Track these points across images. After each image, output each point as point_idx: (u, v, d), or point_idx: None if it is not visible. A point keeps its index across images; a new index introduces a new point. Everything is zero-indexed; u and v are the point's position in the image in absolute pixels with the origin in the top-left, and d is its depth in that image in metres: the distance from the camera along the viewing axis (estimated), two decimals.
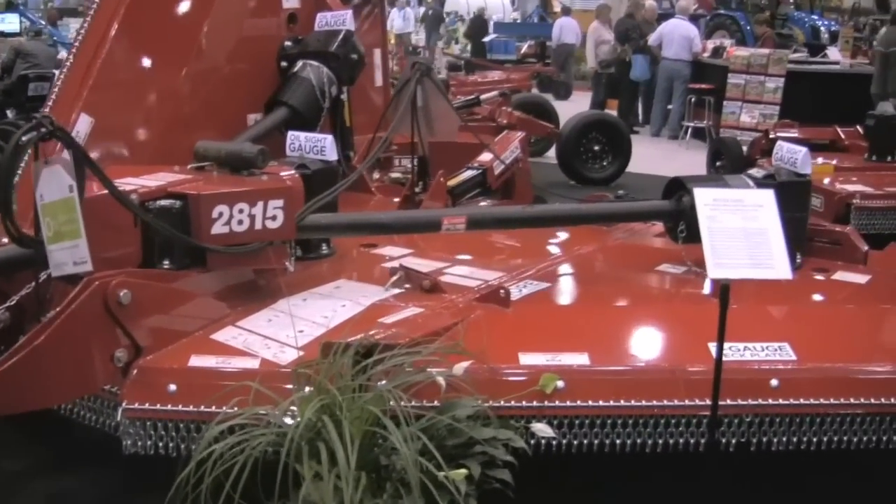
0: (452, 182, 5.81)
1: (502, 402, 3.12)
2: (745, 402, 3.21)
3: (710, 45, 15.60)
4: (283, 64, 5.67)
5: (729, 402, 3.16)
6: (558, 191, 7.69)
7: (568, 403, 3.18)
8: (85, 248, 3.07)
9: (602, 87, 16.24)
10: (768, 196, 3.15)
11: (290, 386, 3.02)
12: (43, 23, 20.91)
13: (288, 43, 5.75)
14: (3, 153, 3.14)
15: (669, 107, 14.85)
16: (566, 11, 22.76)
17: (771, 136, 8.44)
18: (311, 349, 3.24)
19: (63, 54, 11.29)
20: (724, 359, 3.03)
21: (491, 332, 3.46)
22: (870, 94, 11.81)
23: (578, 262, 4.66)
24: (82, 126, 4.68)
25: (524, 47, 24.56)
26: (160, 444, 3.14)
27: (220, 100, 5.38)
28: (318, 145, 4.43)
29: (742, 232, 3.02)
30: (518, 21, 34.04)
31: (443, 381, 3.04)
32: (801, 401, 3.23)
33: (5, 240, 3.47)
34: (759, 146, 8.65)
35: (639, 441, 3.21)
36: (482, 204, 5.98)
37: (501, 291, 3.84)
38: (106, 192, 3.31)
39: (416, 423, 2.83)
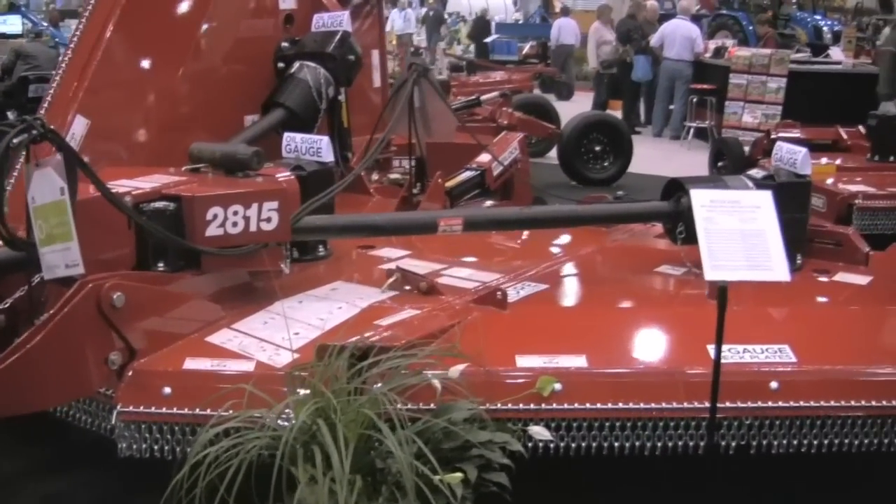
0: (450, 183, 5.80)
1: (499, 405, 3.10)
2: (744, 405, 3.18)
3: (712, 45, 15.57)
4: (280, 65, 5.65)
5: (728, 404, 3.14)
6: (558, 192, 7.67)
7: (565, 406, 3.15)
8: (77, 250, 3.05)
9: (604, 87, 16.24)
10: (766, 197, 3.13)
11: (285, 389, 3.00)
12: (45, 24, 20.95)
13: (285, 44, 5.73)
14: None
15: (671, 107, 14.84)
16: (565, 12, 22.77)
17: (772, 136, 8.41)
18: (307, 351, 3.21)
19: None
20: (723, 361, 3.00)
21: (488, 334, 3.43)
22: (872, 95, 11.75)
23: (577, 264, 4.64)
24: (78, 128, 4.67)
25: (526, 48, 24.55)
26: (155, 447, 3.12)
27: (217, 101, 5.36)
28: (314, 147, 4.41)
29: (739, 233, 3.00)
30: (520, 22, 34.05)
31: (439, 383, 3.02)
32: (802, 403, 3.20)
33: None
34: (760, 146, 8.62)
35: (637, 444, 3.18)
36: (487, 204, 5.97)
37: (498, 293, 3.82)
38: (99, 193, 3.29)
39: (412, 427, 2.81)
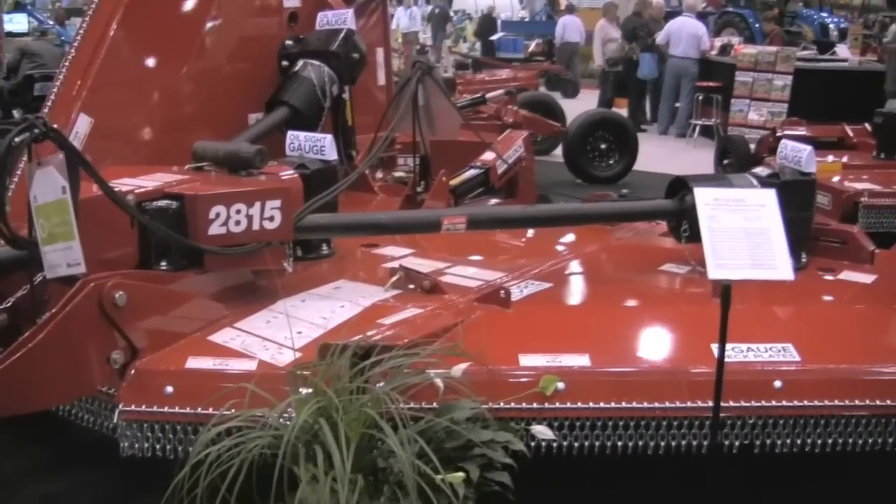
0: (454, 181, 5.78)
1: (502, 404, 3.09)
2: (748, 404, 3.17)
3: (718, 42, 15.54)
4: (284, 63, 5.65)
5: (732, 403, 3.12)
6: (563, 190, 7.67)
7: (568, 405, 3.14)
8: (78, 249, 3.04)
9: (610, 85, 16.21)
10: (770, 195, 3.11)
11: (288, 388, 2.99)
12: (51, 23, 20.98)
13: (289, 42, 5.73)
14: None
15: (677, 105, 14.80)
16: (570, 9, 22.72)
17: (778, 134, 8.37)
18: (310, 350, 3.20)
19: None
20: (727, 360, 2.98)
21: (491, 333, 3.42)
22: (879, 92, 11.73)
23: (581, 262, 4.62)
24: (82, 126, 4.67)
25: (532, 46, 24.51)
26: (157, 446, 3.11)
27: (221, 99, 5.36)
28: (317, 145, 4.40)
29: (743, 232, 2.98)
30: (526, 20, 34.01)
31: (441, 382, 3.01)
32: (805, 402, 3.18)
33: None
34: (766, 144, 8.57)
35: (640, 443, 3.17)
36: (493, 202, 5.95)
37: (502, 292, 3.80)
38: (102, 192, 3.28)
39: (414, 426, 2.80)
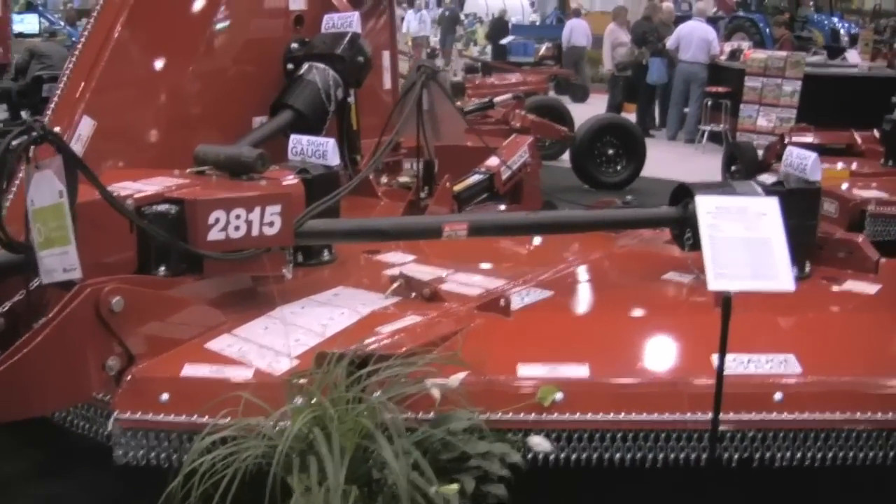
0: (458, 187, 5.76)
1: (499, 415, 3.06)
2: (747, 417, 3.13)
3: (728, 47, 15.48)
4: (289, 66, 5.63)
5: (732, 416, 3.09)
6: (570, 195, 7.64)
7: (567, 416, 3.11)
8: (74, 254, 3.02)
9: (619, 89, 16.15)
10: (772, 204, 3.08)
11: (284, 396, 2.97)
12: (62, 23, 21.03)
13: (294, 45, 5.71)
14: None
15: (686, 110, 14.75)
16: (576, 13, 22.68)
17: (786, 140, 8.32)
18: (307, 358, 3.17)
19: None
20: (727, 371, 2.95)
21: (490, 341, 3.40)
22: (889, 98, 11.64)
23: (583, 270, 4.58)
24: (85, 128, 4.64)
25: (542, 49, 24.48)
26: (152, 454, 3.09)
27: (225, 102, 5.34)
28: (320, 149, 4.37)
29: (744, 241, 2.95)
30: (537, 23, 33.98)
31: (438, 392, 2.98)
32: (806, 415, 3.15)
33: None
34: (774, 150, 8.51)
35: (639, 455, 3.14)
36: (500, 208, 5.92)
37: (502, 300, 3.77)
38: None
39: (410, 437, 2.78)
